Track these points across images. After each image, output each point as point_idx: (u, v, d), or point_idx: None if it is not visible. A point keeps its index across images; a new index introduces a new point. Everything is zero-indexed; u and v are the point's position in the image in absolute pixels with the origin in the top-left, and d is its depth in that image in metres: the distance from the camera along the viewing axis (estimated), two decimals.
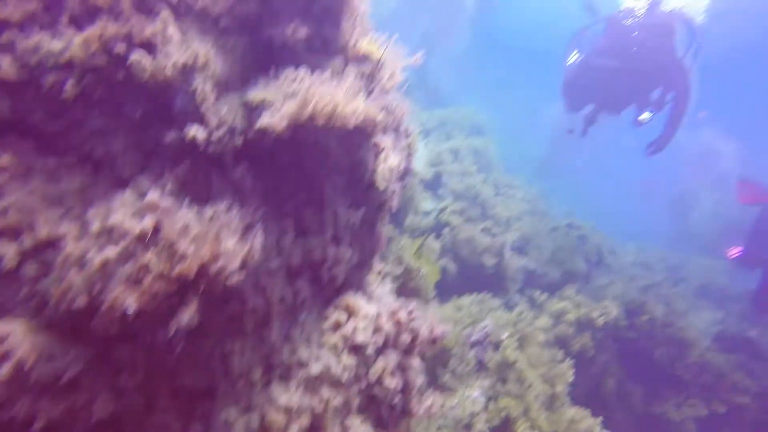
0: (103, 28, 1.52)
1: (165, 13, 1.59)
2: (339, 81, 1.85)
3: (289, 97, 1.66)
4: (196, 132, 1.53)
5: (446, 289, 6.14)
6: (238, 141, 1.62)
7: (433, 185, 8.93)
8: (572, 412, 4.43)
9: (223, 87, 1.67)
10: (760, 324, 8.42)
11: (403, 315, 2.15)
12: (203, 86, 1.58)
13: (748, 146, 17.15)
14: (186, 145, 1.55)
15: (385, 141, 2.07)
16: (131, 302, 1.35)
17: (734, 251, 6.60)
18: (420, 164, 8.89)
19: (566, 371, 4.85)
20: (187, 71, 1.55)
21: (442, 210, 6.98)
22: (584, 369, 5.62)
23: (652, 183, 17.00)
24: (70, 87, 1.48)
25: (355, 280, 2.26)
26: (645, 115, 6.40)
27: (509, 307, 6.51)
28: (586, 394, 5.55)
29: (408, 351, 2.22)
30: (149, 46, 1.55)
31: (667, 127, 6.15)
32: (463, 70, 21.16)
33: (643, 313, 6.04)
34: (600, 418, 4.34)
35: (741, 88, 25.26)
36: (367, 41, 2.03)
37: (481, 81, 24.24)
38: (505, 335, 4.99)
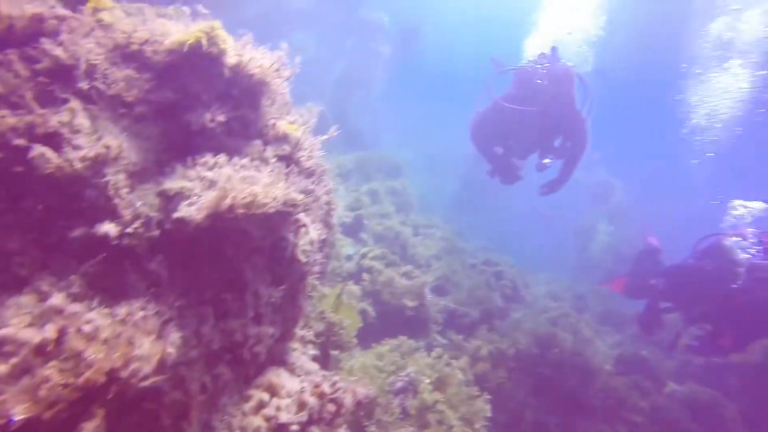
0: None
1: (74, 103, 1.54)
2: (259, 165, 1.88)
3: (207, 187, 1.66)
4: (107, 228, 1.47)
5: (368, 334, 6.16)
6: (155, 232, 1.58)
7: (354, 229, 9.04)
8: None
9: (138, 177, 1.63)
10: (651, 344, 9.36)
11: (326, 387, 2.15)
12: (115, 178, 1.53)
13: (633, 184, 19.38)
14: (96, 239, 1.48)
15: (306, 219, 2.11)
16: (19, 410, 1.23)
17: (614, 286, 7.31)
18: (340, 209, 8.98)
19: (483, 407, 5.00)
20: (98, 164, 1.51)
21: (363, 255, 7.07)
22: (503, 404, 5.86)
23: (554, 217, 18.45)
24: None
25: (278, 354, 2.24)
26: (547, 160, 6.92)
27: (431, 348, 6.64)
28: (506, 428, 5.77)
29: (333, 422, 2.21)
30: (55, 138, 1.49)
31: (563, 171, 6.75)
32: (382, 111, 21.94)
33: (554, 345, 6.47)
34: None
35: (623, 132, 28.76)
36: (286, 122, 2.09)
37: (400, 121, 25.23)
38: (426, 380, 5.08)
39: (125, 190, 1.55)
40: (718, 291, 5.55)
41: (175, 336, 1.49)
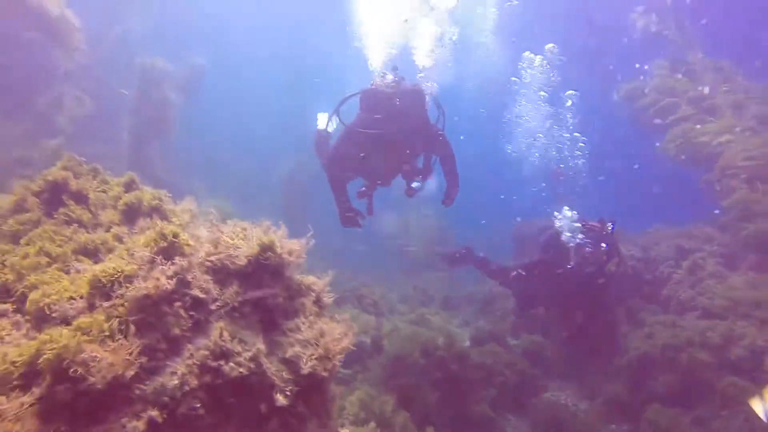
0: None
1: (219, 323, 2.20)
2: (314, 319, 2.72)
3: (305, 345, 2.47)
4: (281, 401, 2.21)
5: None
6: (292, 387, 2.34)
7: None
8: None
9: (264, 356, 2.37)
10: (486, 313, 11.83)
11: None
12: (272, 366, 2.26)
13: None
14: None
15: None
16: None
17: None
18: None
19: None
20: (257, 360, 2.21)
21: None
22: (420, 399, 7.14)
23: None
24: None
25: None
26: (416, 184, 7.05)
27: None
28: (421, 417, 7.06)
29: None
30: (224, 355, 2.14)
31: (451, 181, 7.07)
32: (184, 160, 21.06)
33: (431, 348, 7.98)
34: None
35: None
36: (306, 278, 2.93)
37: (202, 167, 24.19)
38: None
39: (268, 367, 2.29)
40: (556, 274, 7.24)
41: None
